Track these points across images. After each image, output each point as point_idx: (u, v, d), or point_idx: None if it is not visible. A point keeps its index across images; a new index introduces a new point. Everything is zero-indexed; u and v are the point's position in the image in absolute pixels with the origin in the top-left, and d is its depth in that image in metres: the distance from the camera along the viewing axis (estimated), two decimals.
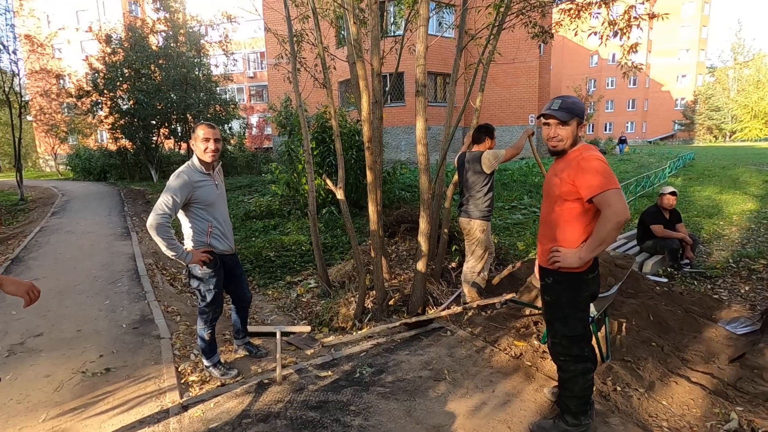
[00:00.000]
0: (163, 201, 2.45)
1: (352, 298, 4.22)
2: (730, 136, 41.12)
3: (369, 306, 3.83)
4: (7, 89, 12.43)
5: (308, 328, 3.85)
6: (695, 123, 43.75)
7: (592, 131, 44.16)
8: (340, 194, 3.61)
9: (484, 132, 3.66)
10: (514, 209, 8.38)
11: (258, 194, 11.51)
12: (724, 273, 4.99)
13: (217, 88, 17.29)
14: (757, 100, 38.33)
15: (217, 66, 18.10)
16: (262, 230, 8.00)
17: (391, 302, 3.90)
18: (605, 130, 46.29)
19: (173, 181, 2.52)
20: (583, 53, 44.10)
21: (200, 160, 2.65)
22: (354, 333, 3.68)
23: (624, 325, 3.42)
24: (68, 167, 22.20)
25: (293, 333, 3.69)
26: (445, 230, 4.49)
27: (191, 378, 2.82)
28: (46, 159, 29.74)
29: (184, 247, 2.62)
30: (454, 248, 5.27)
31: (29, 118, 20.95)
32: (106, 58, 14.93)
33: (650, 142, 38.54)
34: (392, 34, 11.91)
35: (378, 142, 4.10)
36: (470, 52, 7.37)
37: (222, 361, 2.90)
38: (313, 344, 3.39)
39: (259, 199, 10.16)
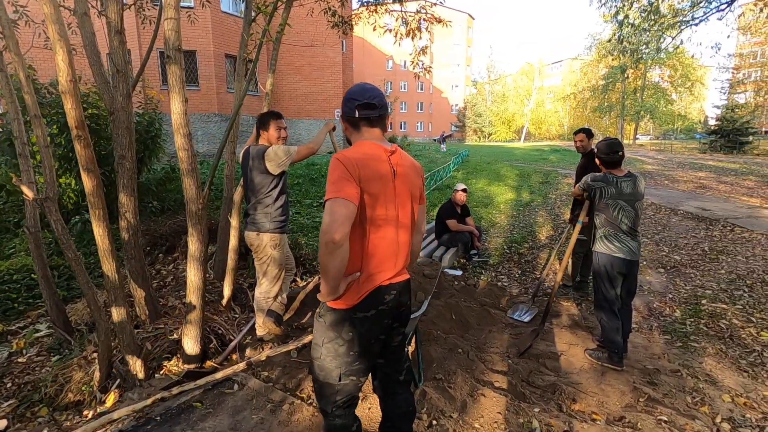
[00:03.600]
0: None
1: (95, 354, 2.92)
2: (489, 137, 51.91)
3: (116, 368, 2.65)
4: None
5: (2, 423, 2.42)
6: (466, 125, 53.59)
7: (391, 128, 48.85)
8: (30, 195, 2.29)
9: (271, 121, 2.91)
10: (322, 207, 7.98)
11: None
12: (502, 259, 5.63)
13: None
14: (503, 110, 49.72)
15: None
16: None
17: (155, 355, 2.80)
18: (401, 129, 51.88)
19: None
20: (380, 56, 48.01)
21: None
22: (91, 413, 2.47)
23: (434, 333, 3.26)
24: None
25: None
26: (235, 241, 3.60)
27: None
28: None
29: None
30: (251, 261, 4.40)
31: None
32: None
33: (435, 140, 45.10)
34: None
35: (125, 129, 2.89)
36: (271, 34, 6.56)
37: None
38: None
39: None
